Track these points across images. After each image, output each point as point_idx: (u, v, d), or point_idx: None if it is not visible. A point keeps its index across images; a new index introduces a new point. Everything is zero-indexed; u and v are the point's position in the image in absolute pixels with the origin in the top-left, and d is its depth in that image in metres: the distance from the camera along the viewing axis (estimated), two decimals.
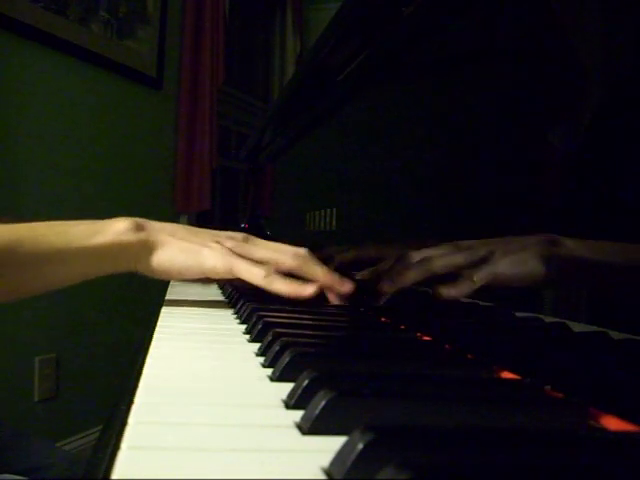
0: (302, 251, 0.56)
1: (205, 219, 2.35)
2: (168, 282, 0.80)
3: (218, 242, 0.55)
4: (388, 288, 0.49)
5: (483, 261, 0.40)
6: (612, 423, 0.27)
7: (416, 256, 0.46)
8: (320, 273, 0.55)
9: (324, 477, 0.19)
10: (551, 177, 0.36)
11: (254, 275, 0.53)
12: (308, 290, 0.53)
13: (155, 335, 0.42)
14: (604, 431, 0.26)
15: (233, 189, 2.73)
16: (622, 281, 0.30)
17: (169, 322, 0.49)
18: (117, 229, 0.51)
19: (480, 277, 0.40)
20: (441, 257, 0.44)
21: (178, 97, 2.25)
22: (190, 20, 2.25)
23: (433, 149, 0.53)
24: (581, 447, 0.20)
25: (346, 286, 0.56)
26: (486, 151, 0.44)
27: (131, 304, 1.94)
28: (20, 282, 0.50)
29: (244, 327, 0.48)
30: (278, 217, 1.26)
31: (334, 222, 0.76)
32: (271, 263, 0.54)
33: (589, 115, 0.33)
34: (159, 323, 0.48)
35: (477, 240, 0.41)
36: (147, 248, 0.53)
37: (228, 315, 0.56)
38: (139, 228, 0.53)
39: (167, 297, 0.66)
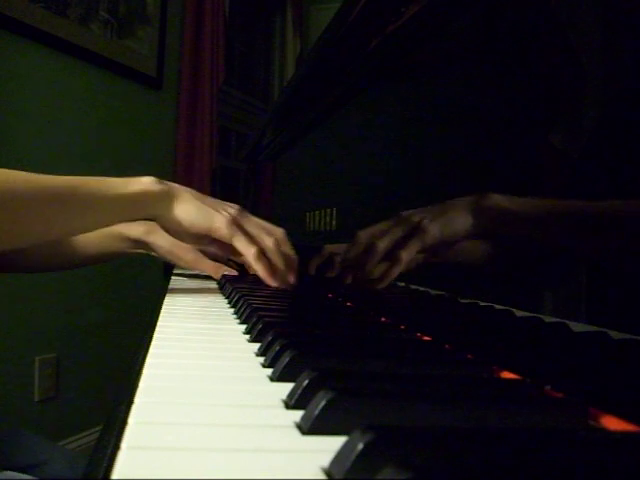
0: (279, 236, 0.68)
1: None
2: (168, 283, 0.80)
3: (224, 209, 0.66)
4: (355, 281, 0.57)
5: (415, 231, 0.44)
6: (612, 423, 0.27)
7: (363, 237, 0.53)
8: (288, 262, 0.68)
9: (324, 477, 0.19)
10: (552, 177, 0.36)
11: (248, 251, 0.65)
12: (274, 283, 0.67)
13: (155, 335, 0.42)
14: (604, 431, 0.26)
15: (233, 189, 2.73)
16: (546, 233, 0.31)
17: (169, 322, 0.49)
18: (144, 182, 0.61)
19: (406, 253, 0.46)
20: (383, 240, 0.50)
21: (178, 97, 2.25)
22: (190, 20, 2.25)
23: (433, 149, 0.53)
24: (581, 447, 0.20)
25: (292, 279, 0.69)
26: (486, 151, 0.44)
27: (131, 304, 1.94)
28: (71, 221, 0.58)
29: (244, 327, 0.48)
30: (278, 217, 1.26)
31: (334, 222, 0.76)
32: (255, 238, 0.66)
33: (589, 115, 0.33)
34: (159, 323, 0.48)
35: (416, 210, 0.45)
36: (168, 199, 0.63)
37: (228, 315, 0.56)
38: (162, 183, 0.62)
39: (167, 297, 0.67)
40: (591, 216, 0.29)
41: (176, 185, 0.65)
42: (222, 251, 0.73)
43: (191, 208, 0.63)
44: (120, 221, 0.62)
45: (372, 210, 0.67)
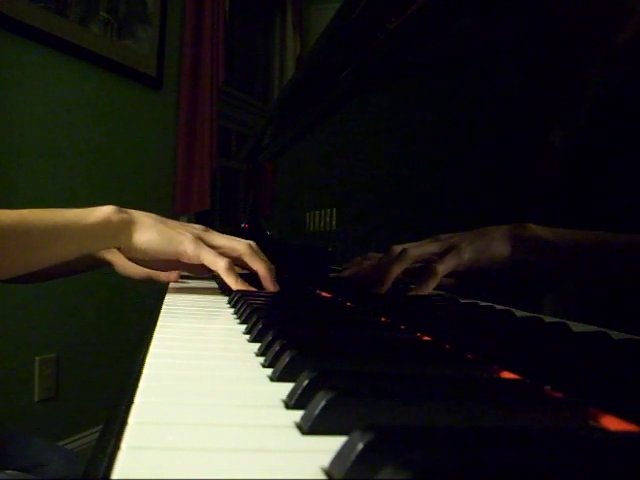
0: (252, 243, 0.69)
1: (205, 219, 2.35)
2: (168, 284, 0.81)
3: (185, 231, 0.65)
4: (377, 282, 0.56)
5: (450, 250, 0.45)
6: (612, 423, 0.27)
7: (397, 249, 0.53)
8: (262, 266, 0.68)
9: (324, 477, 0.19)
10: (552, 178, 0.36)
11: (217, 264, 0.64)
12: (267, 284, 0.67)
13: (155, 335, 0.42)
14: (604, 431, 0.26)
15: (233, 189, 2.73)
16: (587, 266, 0.31)
17: (169, 322, 0.49)
18: (105, 212, 0.61)
19: (443, 267, 0.46)
20: (416, 248, 0.50)
21: (178, 97, 2.25)
22: (190, 20, 2.25)
23: (433, 149, 0.53)
24: (581, 447, 0.20)
25: (274, 286, 0.68)
26: (486, 151, 0.44)
27: (131, 304, 1.94)
28: (23, 257, 0.56)
29: (244, 327, 0.48)
30: (278, 217, 1.26)
31: (334, 222, 0.76)
32: (227, 249, 0.67)
33: (589, 115, 0.33)
34: (159, 323, 0.48)
35: (457, 233, 0.45)
36: (129, 228, 0.62)
37: (228, 315, 0.56)
38: (122, 212, 0.62)
39: (167, 297, 0.67)
40: (618, 246, 0.30)
41: (137, 212, 0.64)
42: (192, 272, 0.73)
43: (154, 235, 0.63)
44: (80, 253, 0.60)
45: (372, 210, 0.67)
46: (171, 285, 0.79)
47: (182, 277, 0.96)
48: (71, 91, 1.76)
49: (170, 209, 2.20)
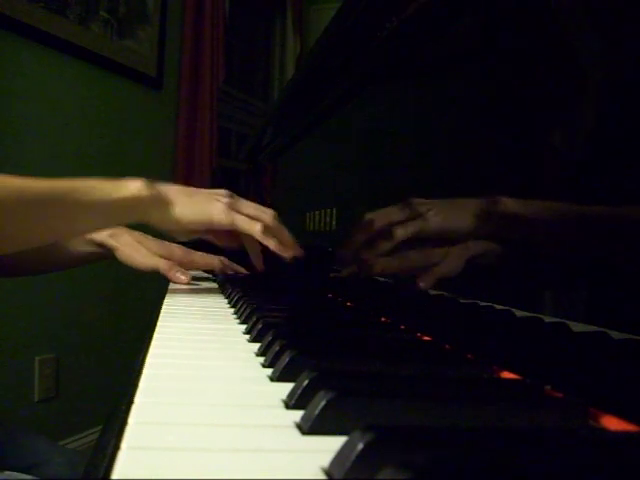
0: (275, 214, 0.70)
1: None
2: (168, 283, 0.80)
3: (215, 198, 0.67)
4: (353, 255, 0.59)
5: (417, 217, 0.46)
6: (612, 423, 0.27)
7: (367, 215, 0.56)
8: (285, 234, 0.70)
9: (324, 477, 0.19)
10: (553, 178, 0.36)
11: (253, 228, 0.66)
12: (289, 252, 0.69)
13: (155, 335, 0.42)
14: (604, 431, 0.26)
15: (233, 189, 2.73)
16: (553, 238, 0.31)
17: (169, 322, 0.49)
18: (135, 186, 0.60)
19: (403, 231, 0.48)
20: (384, 215, 0.53)
21: (178, 97, 2.25)
22: (190, 20, 2.25)
23: (433, 149, 0.53)
24: (581, 447, 0.20)
25: (297, 250, 0.71)
26: (486, 151, 0.44)
27: (131, 304, 1.94)
28: (54, 226, 0.57)
29: (244, 327, 0.48)
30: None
31: (334, 222, 0.76)
32: (254, 217, 0.68)
33: (589, 115, 0.33)
34: (159, 323, 0.48)
35: (427, 200, 0.46)
36: (160, 203, 0.63)
37: (228, 315, 0.56)
38: (151, 186, 0.62)
39: (167, 297, 0.67)
40: (599, 219, 0.29)
41: (164, 186, 0.65)
42: (218, 240, 0.74)
43: (185, 206, 0.64)
44: (109, 226, 0.62)
45: (372, 210, 0.67)
46: (171, 285, 0.79)
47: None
48: (71, 91, 1.76)
49: None
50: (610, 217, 0.29)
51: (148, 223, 0.64)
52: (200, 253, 0.84)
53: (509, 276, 0.39)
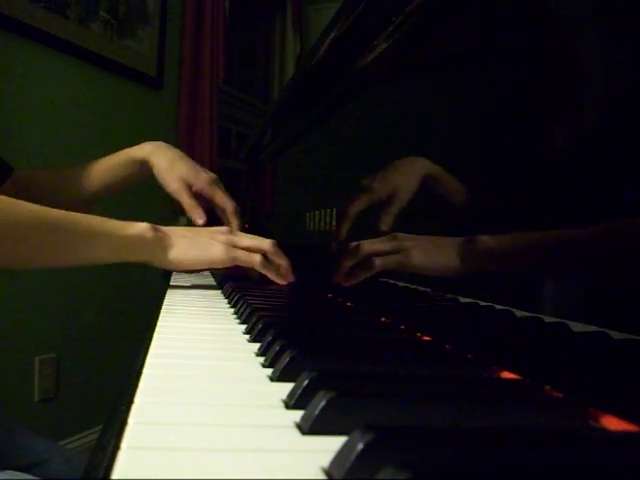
0: (274, 242, 0.72)
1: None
2: (168, 283, 0.81)
3: (214, 238, 0.69)
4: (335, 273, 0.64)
5: (399, 251, 0.50)
6: (612, 423, 0.27)
7: (352, 245, 0.59)
8: (284, 262, 0.72)
9: (324, 477, 0.19)
10: (553, 179, 0.36)
11: (254, 261, 0.70)
12: (288, 278, 0.73)
13: (155, 335, 0.42)
14: (604, 431, 0.26)
15: (233, 189, 2.73)
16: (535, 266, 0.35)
17: (169, 322, 0.49)
18: (140, 227, 0.64)
19: (382, 262, 0.53)
20: (369, 244, 0.57)
21: (178, 97, 2.25)
22: (190, 20, 2.25)
23: (433, 149, 0.53)
24: (581, 447, 0.20)
25: (289, 278, 0.74)
26: (486, 151, 0.44)
27: (131, 304, 1.94)
28: (66, 251, 0.60)
29: (244, 327, 0.48)
30: (278, 217, 1.26)
31: (334, 222, 0.76)
32: (253, 249, 0.71)
33: (589, 115, 0.33)
34: (159, 323, 0.48)
35: (413, 235, 0.50)
36: (163, 244, 0.66)
37: (228, 315, 0.56)
38: (155, 229, 0.66)
39: (167, 297, 0.67)
40: (592, 231, 0.31)
41: (168, 228, 0.68)
42: (224, 269, 0.76)
43: (186, 249, 0.68)
44: (113, 260, 0.63)
45: (372, 210, 0.67)
46: (171, 285, 0.79)
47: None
48: (71, 91, 1.76)
49: (170, 209, 2.20)
50: (609, 218, 0.29)
51: (151, 263, 0.67)
52: (221, 193, 0.88)
53: (509, 276, 0.39)
